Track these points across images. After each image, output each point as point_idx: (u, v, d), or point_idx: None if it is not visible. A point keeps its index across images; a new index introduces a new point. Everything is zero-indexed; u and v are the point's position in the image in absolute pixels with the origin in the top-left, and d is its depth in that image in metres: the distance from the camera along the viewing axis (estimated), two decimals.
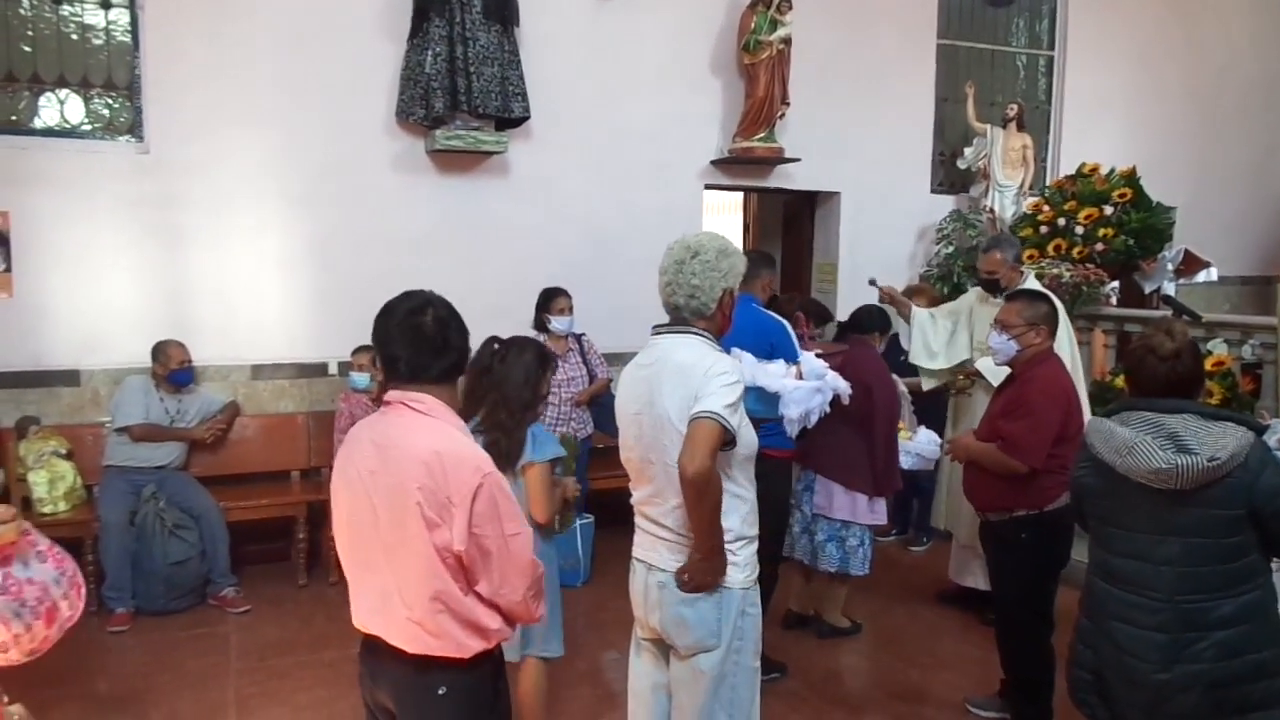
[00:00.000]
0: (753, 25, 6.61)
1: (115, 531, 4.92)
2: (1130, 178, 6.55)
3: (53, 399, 5.32)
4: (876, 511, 4.65)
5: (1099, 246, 6.31)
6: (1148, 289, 6.61)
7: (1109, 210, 6.39)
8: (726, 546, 2.60)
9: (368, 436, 2.19)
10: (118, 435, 5.11)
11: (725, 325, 2.71)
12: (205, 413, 5.43)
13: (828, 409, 3.86)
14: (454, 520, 2.05)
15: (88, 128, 5.53)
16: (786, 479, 4.36)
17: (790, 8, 6.58)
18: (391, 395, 2.18)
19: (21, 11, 5.34)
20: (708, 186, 7.04)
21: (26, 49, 5.38)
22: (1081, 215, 6.44)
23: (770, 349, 3.85)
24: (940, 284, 7.02)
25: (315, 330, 5.88)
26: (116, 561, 4.92)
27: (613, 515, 5.01)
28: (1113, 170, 6.67)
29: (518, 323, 5.49)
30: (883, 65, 7.41)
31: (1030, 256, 6.25)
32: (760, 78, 6.64)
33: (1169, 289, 6.59)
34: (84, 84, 5.50)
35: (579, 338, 5.72)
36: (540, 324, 5.51)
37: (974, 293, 5.28)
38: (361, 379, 5.32)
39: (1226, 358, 5.26)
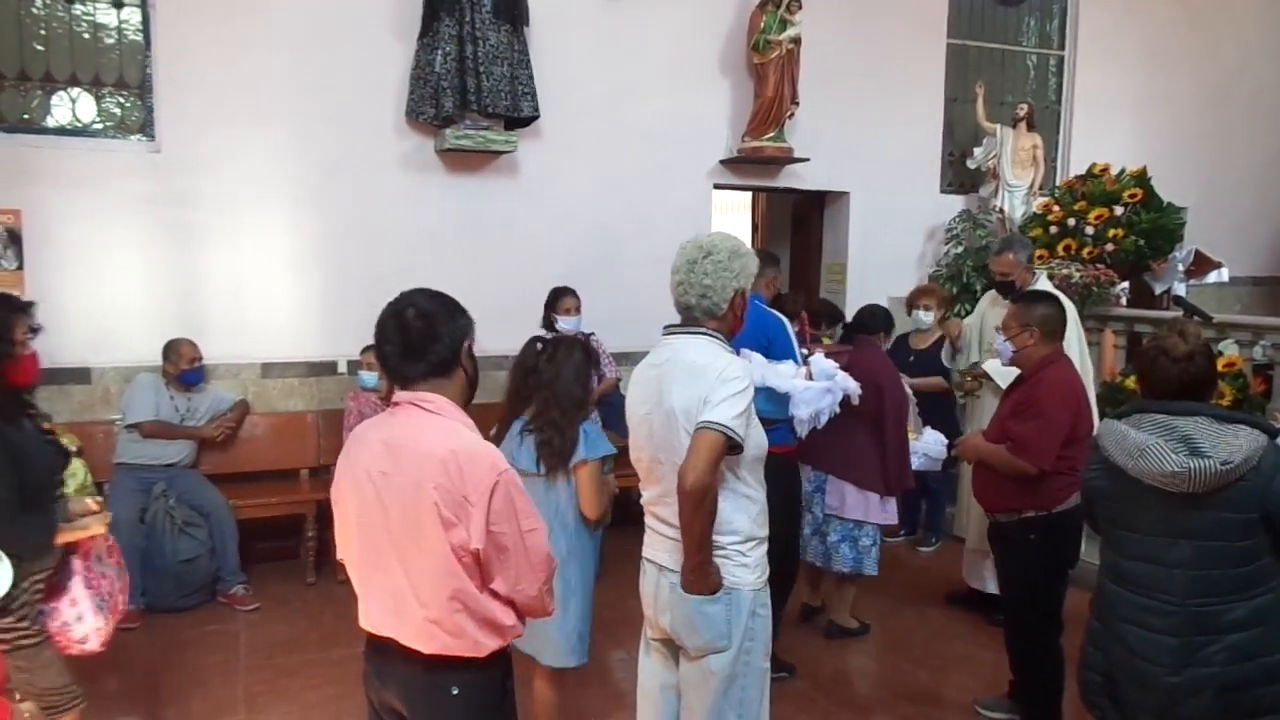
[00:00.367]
0: (762, 25, 6.61)
1: (125, 529, 4.91)
2: (1141, 178, 6.53)
3: (64, 397, 5.34)
4: (888, 511, 4.66)
5: (1109, 247, 6.28)
6: (1158, 290, 6.59)
7: (1119, 210, 6.37)
8: (736, 547, 2.60)
9: (377, 437, 2.19)
10: (128, 433, 5.13)
11: (737, 326, 2.71)
12: (215, 411, 5.45)
13: (837, 409, 3.86)
14: (471, 519, 2.05)
15: (99, 126, 5.55)
16: (793, 475, 4.36)
17: (800, 7, 6.58)
18: (400, 396, 2.18)
19: (34, 11, 5.36)
20: (717, 186, 7.04)
21: (39, 48, 5.40)
22: (1092, 215, 6.41)
23: (767, 343, 3.84)
24: (949, 284, 7.01)
25: (325, 329, 5.89)
26: (126, 559, 4.91)
27: (621, 515, 5.00)
28: (1123, 170, 6.64)
29: (527, 322, 5.52)
30: (892, 65, 7.39)
31: (1040, 257, 6.23)
32: (769, 77, 6.63)
33: (1180, 289, 6.57)
34: (96, 83, 5.52)
35: (587, 337, 5.71)
36: (548, 323, 5.52)
37: (987, 296, 5.27)
38: (370, 377, 5.33)
39: (1238, 359, 5.23)
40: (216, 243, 5.66)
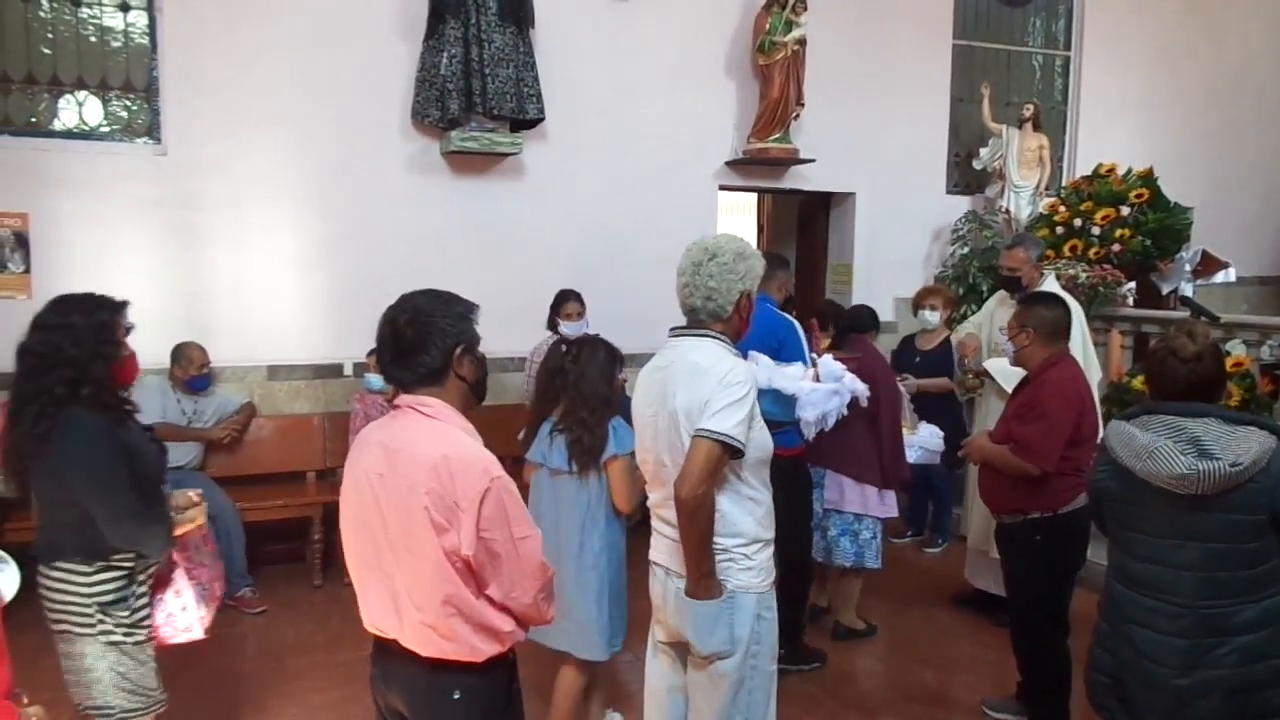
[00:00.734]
0: (767, 26, 6.60)
1: None
2: (1147, 178, 6.52)
3: None
4: (886, 503, 4.70)
5: (1115, 247, 6.27)
6: (1165, 290, 6.57)
7: (1126, 211, 6.36)
8: (741, 550, 2.60)
9: (376, 439, 2.20)
10: None
11: (743, 328, 2.71)
12: (222, 413, 5.46)
13: (845, 411, 3.86)
14: (462, 524, 2.04)
15: (106, 129, 5.57)
16: (803, 478, 4.37)
17: (805, 8, 6.58)
18: (401, 399, 2.19)
19: (41, 14, 5.39)
20: (722, 187, 7.04)
21: (46, 51, 5.42)
22: (1098, 216, 6.40)
23: (777, 346, 3.84)
24: (955, 285, 7.00)
25: (330, 331, 5.90)
26: None
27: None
28: (1129, 170, 6.63)
29: (532, 324, 5.53)
30: (898, 66, 7.39)
31: (1046, 257, 6.22)
32: (775, 78, 6.63)
33: (1186, 290, 6.55)
34: (102, 86, 5.54)
35: None
36: (552, 325, 5.52)
37: (995, 296, 5.27)
38: (376, 380, 5.33)
39: (1245, 359, 5.23)
40: (222, 245, 5.67)
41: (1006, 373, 4.38)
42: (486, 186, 6.23)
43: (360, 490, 2.18)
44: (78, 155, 5.41)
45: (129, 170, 5.49)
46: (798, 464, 4.24)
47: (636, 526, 3.39)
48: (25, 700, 2.32)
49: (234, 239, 5.69)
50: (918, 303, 6.04)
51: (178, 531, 2.85)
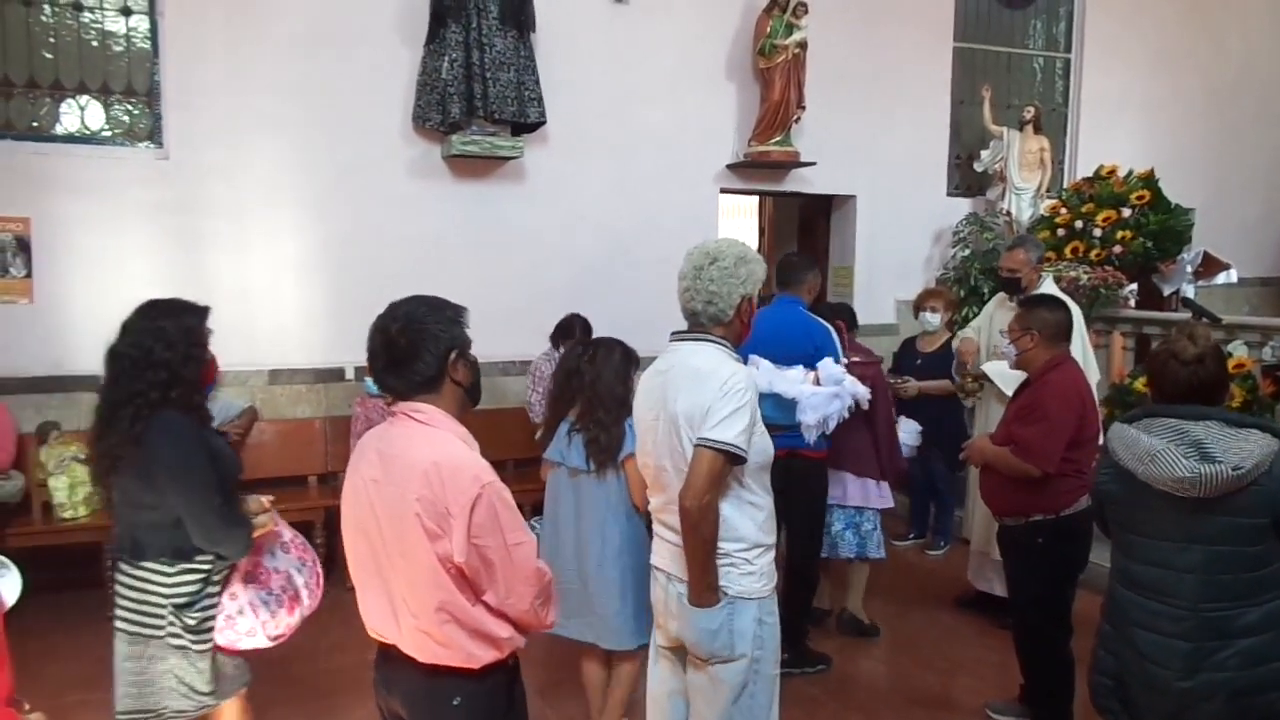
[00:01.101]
0: (768, 29, 6.61)
1: None
2: (1148, 180, 6.51)
3: (73, 404, 5.35)
4: (884, 495, 4.77)
5: (1117, 249, 6.27)
6: (1166, 291, 6.57)
7: (1127, 212, 6.35)
8: (742, 554, 2.59)
9: (373, 445, 2.20)
10: None
11: (744, 333, 2.71)
12: (224, 418, 5.41)
13: (846, 414, 3.86)
14: (453, 531, 2.03)
15: (108, 134, 5.58)
16: (825, 480, 4.39)
17: (806, 12, 6.58)
18: (397, 406, 2.19)
19: (43, 19, 5.40)
20: (723, 190, 7.04)
21: (48, 55, 5.43)
22: (1099, 217, 6.40)
23: (815, 350, 3.88)
24: (957, 287, 7.00)
25: (332, 335, 5.90)
26: None
27: None
28: (1130, 172, 6.62)
29: (532, 327, 5.54)
30: (899, 68, 7.39)
31: (1048, 259, 6.22)
32: (776, 82, 6.64)
33: (1188, 291, 6.55)
34: (104, 90, 5.55)
35: None
36: (556, 343, 5.54)
37: (995, 299, 5.27)
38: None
39: (1247, 360, 5.22)
40: (224, 249, 5.67)
41: (1005, 376, 4.39)
42: (487, 190, 6.23)
43: (358, 496, 2.19)
44: (79, 159, 5.42)
45: (130, 174, 5.50)
46: (821, 466, 4.27)
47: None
48: (26, 707, 2.32)
49: (235, 243, 5.69)
50: (919, 305, 6.03)
51: (257, 535, 2.85)
